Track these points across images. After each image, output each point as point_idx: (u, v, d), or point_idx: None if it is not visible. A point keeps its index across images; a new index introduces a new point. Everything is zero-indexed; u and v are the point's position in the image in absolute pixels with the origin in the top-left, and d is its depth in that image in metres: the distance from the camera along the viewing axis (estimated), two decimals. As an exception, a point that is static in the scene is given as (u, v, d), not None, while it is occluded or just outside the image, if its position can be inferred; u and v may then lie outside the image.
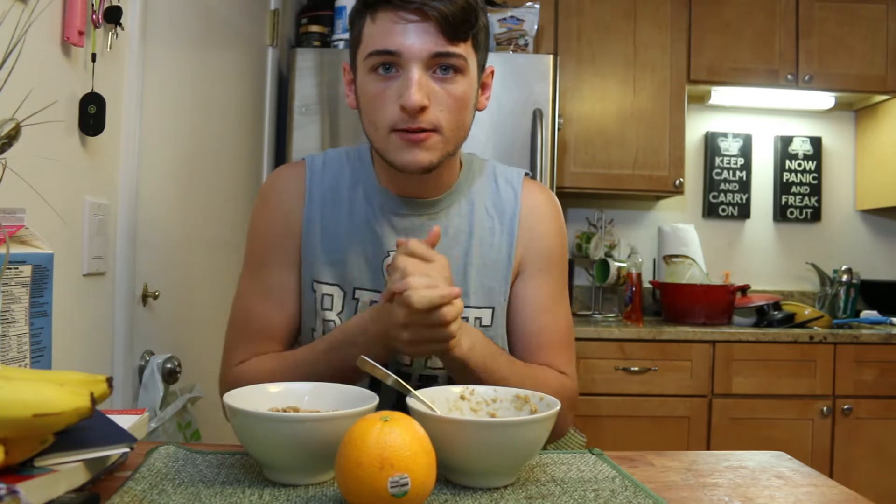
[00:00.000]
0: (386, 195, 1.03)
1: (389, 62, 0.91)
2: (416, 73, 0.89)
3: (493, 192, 1.08)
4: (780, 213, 3.11)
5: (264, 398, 0.78)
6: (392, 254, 1.02)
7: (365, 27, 0.93)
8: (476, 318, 1.03)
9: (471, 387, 0.83)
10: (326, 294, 1.03)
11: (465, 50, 0.93)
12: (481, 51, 0.98)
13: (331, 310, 1.03)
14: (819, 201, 3.12)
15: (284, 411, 0.75)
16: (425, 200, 1.03)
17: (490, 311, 1.04)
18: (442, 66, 0.91)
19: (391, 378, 0.80)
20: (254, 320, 1.05)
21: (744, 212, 3.10)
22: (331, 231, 1.04)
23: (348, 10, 2.38)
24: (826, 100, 2.94)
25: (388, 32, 0.90)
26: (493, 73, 1.03)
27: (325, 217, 1.04)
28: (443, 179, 1.03)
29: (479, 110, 1.01)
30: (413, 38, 0.89)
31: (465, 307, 1.02)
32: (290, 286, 1.05)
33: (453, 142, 0.96)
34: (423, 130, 0.91)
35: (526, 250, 1.06)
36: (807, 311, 2.64)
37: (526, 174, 1.12)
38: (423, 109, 0.90)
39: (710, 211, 3.09)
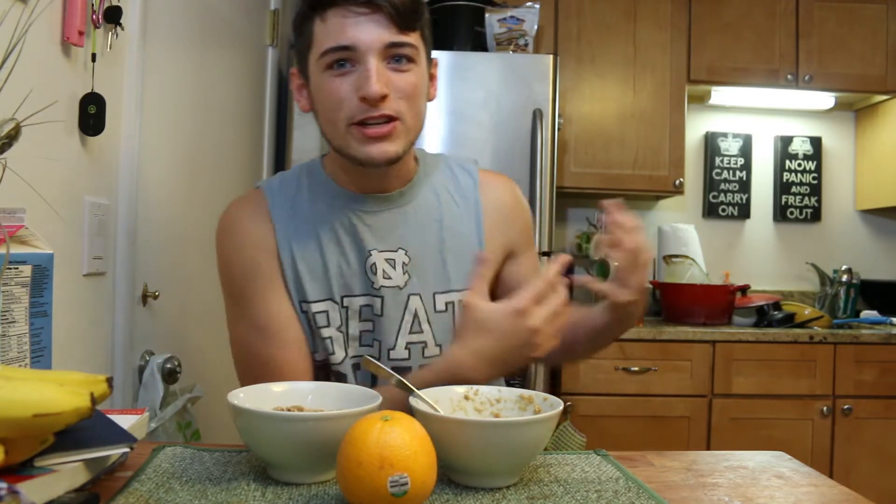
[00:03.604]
0: (350, 197, 1.03)
1: (345, 58, 0.92)
2: (373, 63, 0.91)
3: (452, 180, 1.10)
4: (780, 213, 3.11)
5: (268, 398, 0.78)
6: (374, 252, 1.01)
7: (315, 28, 0.94)
8: (460, 301, 1.04)
9: (475, 387, 0.83)
10: (319, 312, 1.00)
11: (415, 39, 0.95)
12: (428, 43, 1.00)
13: (328, 326, 1.00)
14: (819, 201, 3.12)
15: (288, 410, 0.75)
16: (391, 194, 1.03)
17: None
18: (395, 56, 0.93)
19: (395, 378, 0.80)
20: (265, 364, 0.98)
21: (744, 212, 3.10)
22: (305, 247, 1.01)
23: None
24: (826, 100, 2.94)
25: (341, 28, 0.91)
26: (437, 64, 1.05)
27: (297, 235, 1.02)
28: (402, 173, 1.04)
29: (430, 100, 1.03)
30: (366, 30, 0.91)
31: (449, 291, 1.04)
32: (285, 311, 1.00)
33: (414, 130, 0.98)
34: (386, 119, 0.92)
35: (507, 238, 1.11)
36: (807, 311, 2.64)
37: (476, 161, 1.15)
38: (383, 98, 0.91)
39: (710, 211, 3.09)
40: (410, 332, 1.02)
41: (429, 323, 1.03)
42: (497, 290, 1.13)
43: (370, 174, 1.00)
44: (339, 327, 1.01)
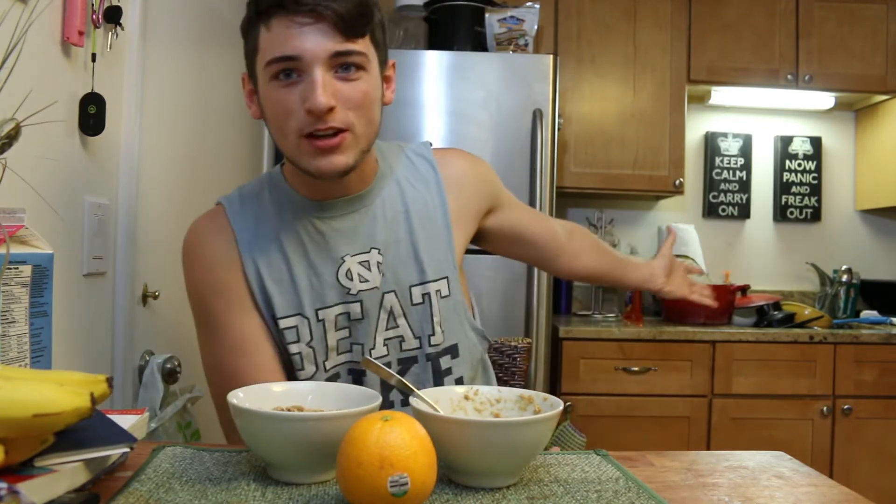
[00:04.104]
0: (315, 205, 1.01)
1: (290, 68, 0.89)
2: (319, 74, 0.88)
3: (411, 168, 1.09)
4: (780, 213, 3.11)
5: (268, 398, 0.78)
6: (347, 258, 1.00)
7: (260, 36, 0.91)
8: (437, 291, 1.04)
9: (475, 387, 0.83)
10: (287, 328, 0.99)
11: (364, 46, 0.92)
12: (381, 47, 0.97)
13: (297, 341, 0.99)
14: (819, 201, 3.12)
15: (288, 410, 0.75)
16: (355, 196, 1.02)
17: (445, 280, 1.05)
18: (343, 64, 0.90)
19: (395, 378, 0.80)
20: (248, 380, 0.93)
21: (744, 212, 3.10)
22: (271, 263, 0.99)
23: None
24: (826, 100, 2.94)
25: (285, 38, 0.88)
26: (394, 65, 1.03)
27: (262, 251, 1.00)
28: (366, 173, 1.02)
29: (386, 104, 1.00)
30: (310, 39, 0.88)
31: (425, 283, 1.03)
32: (256, 330, 0.99)
33: (365, 139, 0.95)
34: (335, 132, 0.90)
35: (478, 204, 1.13)
36: (807, 311, 2.64)
37: (430, 144, 1.15)
38: (330, 110, 0.89)
39: (710, 211, 3.09)
40: (387, 329, 1.02)
41: (405, 317, 1.03)
42: (489, 243, 1.20)
43: (328, 183, 0.98)
44: (310, 342, 0.99)
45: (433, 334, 1.04)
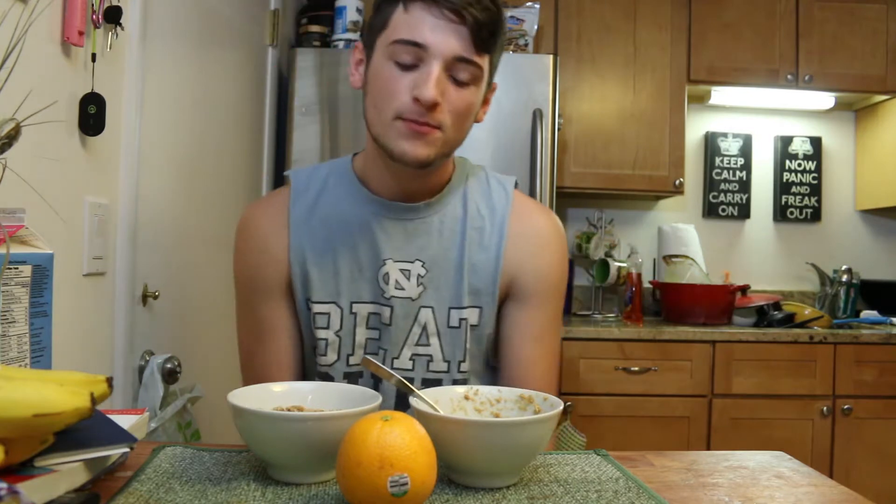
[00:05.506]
0: (376, 202, 1.02)
1: (412, 54, 0.91)
2: (437, 69, 0.90)
3: (485, 192, 1.07)
4: (780, 213, 3.11)
5: (269, 397, 0.78)
6: (388, 262, 1.01)
7: (395, 14, 0.93)
8: (467, 319, 1.02)
9: (475, 387, 0.83)
10: (319, 313, 1.01)
11: (484, 62, 0.94)
12: (494, 70, 0.99)
13: (326, 328, 1.01)
14: (819, 201, 3.12)
15: (288, 410, 0.75)
16: (417, 204, 1.02)
17: (478, 311, 1.03)
18: (460, 71, 0.92)
19: (395, 378, 0.80)
20: (255, 362, 1.06)
21: (744, 212, 3.10)
22: (320, 249, 1.02)
23: (348, 11, 2.39)
24: (826, 100, 2.94)
25: (420, 24, 0.90)
26: (495, 89, 1.04)
27: (311, 239, 1.02)
28: (434, 182, 1.03)
29: (477, 122, 1.02)
30: (442, 35, 0.90)
31: (458, 308, 1.02)
32: (280, 318, 1.04)
33: (452, 144, 0.97)
34: (429, 126, 0.92)
35: (524, 274, 1.04)
36: (807, 311, 2.64)
37: (516, 182, 1.11)
38: (435, 106, 0.90)
39: (710, 211, 3.09)
40: (417, 345, 1.02)
41: (438, 336, 1.02)
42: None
43: (400, 176, 0.99)
44: (338, 331, 1.02)
45: (464, 360, 1.03)
